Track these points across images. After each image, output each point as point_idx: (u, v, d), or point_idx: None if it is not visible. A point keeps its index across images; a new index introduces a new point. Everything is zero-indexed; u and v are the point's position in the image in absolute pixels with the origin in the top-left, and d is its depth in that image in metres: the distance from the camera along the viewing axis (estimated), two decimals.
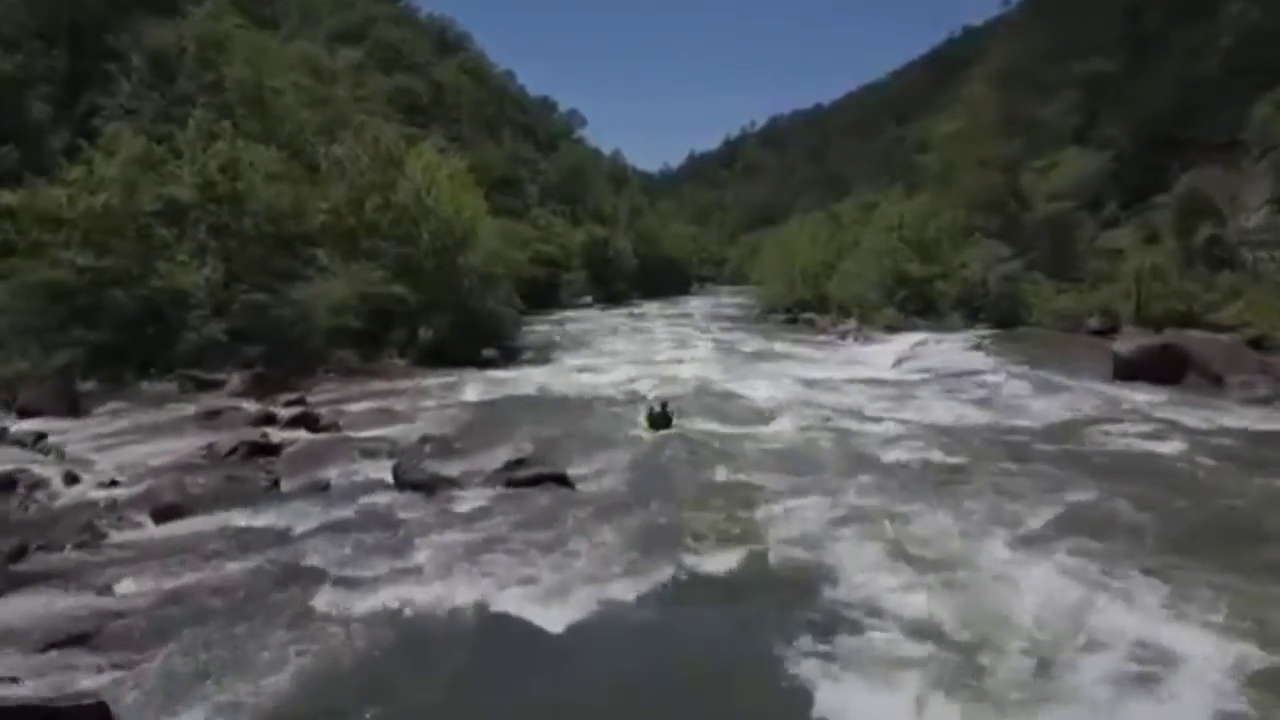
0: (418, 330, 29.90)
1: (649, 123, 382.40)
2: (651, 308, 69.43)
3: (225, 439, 15.30)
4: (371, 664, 7.91)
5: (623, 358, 32.51)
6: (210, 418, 18.30)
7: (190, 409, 19.66)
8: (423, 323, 30.08)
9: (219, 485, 12.56)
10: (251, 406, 19.48)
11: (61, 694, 6.65)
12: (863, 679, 7.51)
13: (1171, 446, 15.97)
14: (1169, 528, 11.24)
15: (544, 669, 8.05)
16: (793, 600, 9.20)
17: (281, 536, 10.96)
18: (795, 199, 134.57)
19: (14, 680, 6.92)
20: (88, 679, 7.24)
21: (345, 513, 11.92)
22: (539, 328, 44.91)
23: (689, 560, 10.21)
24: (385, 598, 9.06)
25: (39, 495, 12.03)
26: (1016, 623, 8.45)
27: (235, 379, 22.79)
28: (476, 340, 31.35)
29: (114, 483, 12.91)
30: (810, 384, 24.33)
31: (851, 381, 25.03)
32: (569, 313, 59.92)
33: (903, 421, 18.60)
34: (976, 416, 19.42)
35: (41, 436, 15.84)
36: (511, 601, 9.02)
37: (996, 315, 40.56)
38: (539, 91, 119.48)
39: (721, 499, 12.75)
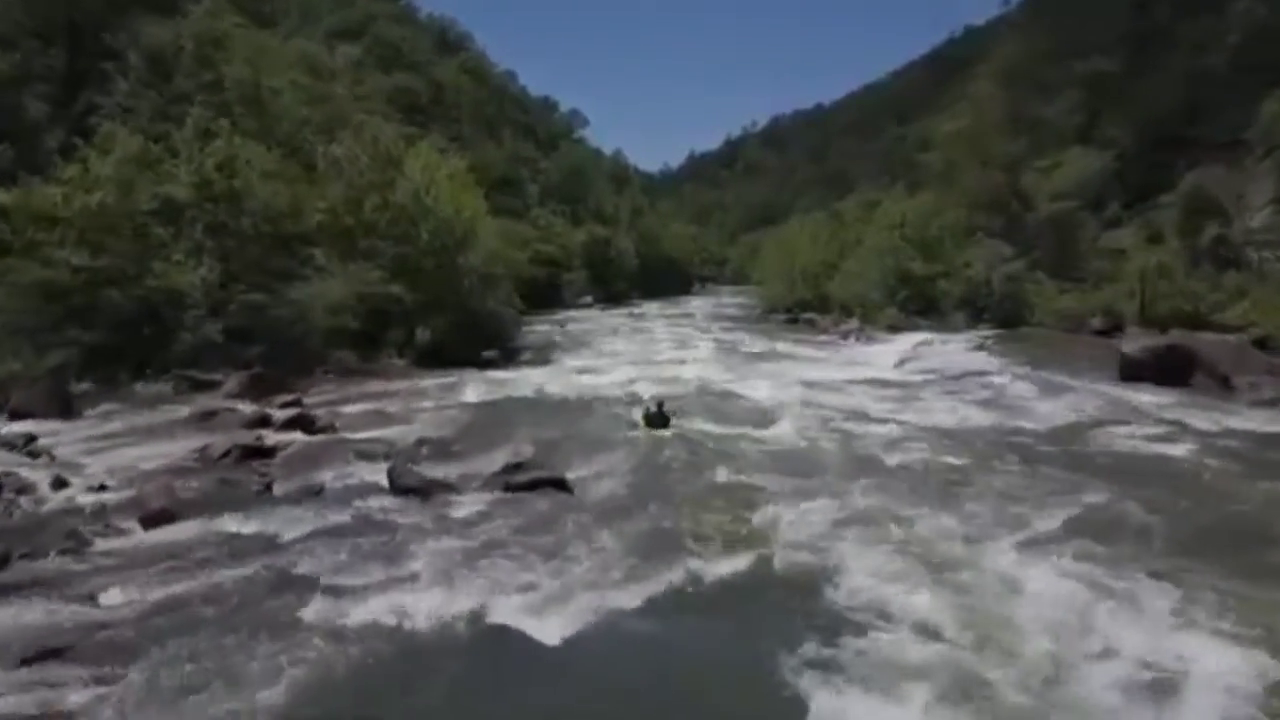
0: (416, 330, 29.66)
1: (649, 123, 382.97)
2: (652, 308, 69.26)
3: (219, 441, 15.05)
4: (365, 675, 7.67)
5: (623, 358, 32.29)
6: (205, 419, 18.05)
7: (185, 410, 19.39)
8: (421, 323, 29.84)
9: (211, 489, 12.33)
10: (247, 408, 19.20)
11: (42, 710, 6.40)
12: (867, 688, 7.34)
13: (1179, 449, 15.80)
14: (1177, 531, 11.08)
15: (542, 679, 7.84)
16: (795, 606, 9.03)
17: (273, 542, 10.69)
18: (796, 199, 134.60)
19: None
20: (68, 694, 7.00)
21: (339, 518, 11.66)
22: (539, 328, 44.71)
23: (690, 565, 10.00)
24: (379, 606, 8.81)
25: (25, 500, 11.74)
26: (1024, 629, 8.29)
27: (231, 380, 22.50)
28: (476, 341, 31.10)
29: (103, 487, 12.64)
30: (812, 385, 24.10)
31: (854, 382, 24.81)
32: (570, 313, 59.71)
33: (906, 423, 18.39)
34: (981, 418, 19.21)
35: (32, 439, 15.57)
36: (508, 610, 8.79)
37: (999, 315, 40.35)
38: (540, 91, 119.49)
39: (723, 502, 12.55)
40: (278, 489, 13.00)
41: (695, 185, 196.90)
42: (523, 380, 26.28)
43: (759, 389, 23.27)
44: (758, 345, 37.30)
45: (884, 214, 54.80)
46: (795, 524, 11.42)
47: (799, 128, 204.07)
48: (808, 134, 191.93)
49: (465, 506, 12.12)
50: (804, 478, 13.87)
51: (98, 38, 34.89)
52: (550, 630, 8.42)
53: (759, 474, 14.12)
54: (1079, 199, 43.35)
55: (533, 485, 12.77)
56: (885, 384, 24.62)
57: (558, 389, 24.45)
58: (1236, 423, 17.89)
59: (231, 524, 11.29)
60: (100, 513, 11.39)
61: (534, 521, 11.47)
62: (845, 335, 40.38)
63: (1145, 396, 20.77)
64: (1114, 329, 33.23)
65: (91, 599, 8.78)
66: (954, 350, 32.57)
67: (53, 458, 14.67)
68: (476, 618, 8.68)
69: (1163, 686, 7.27)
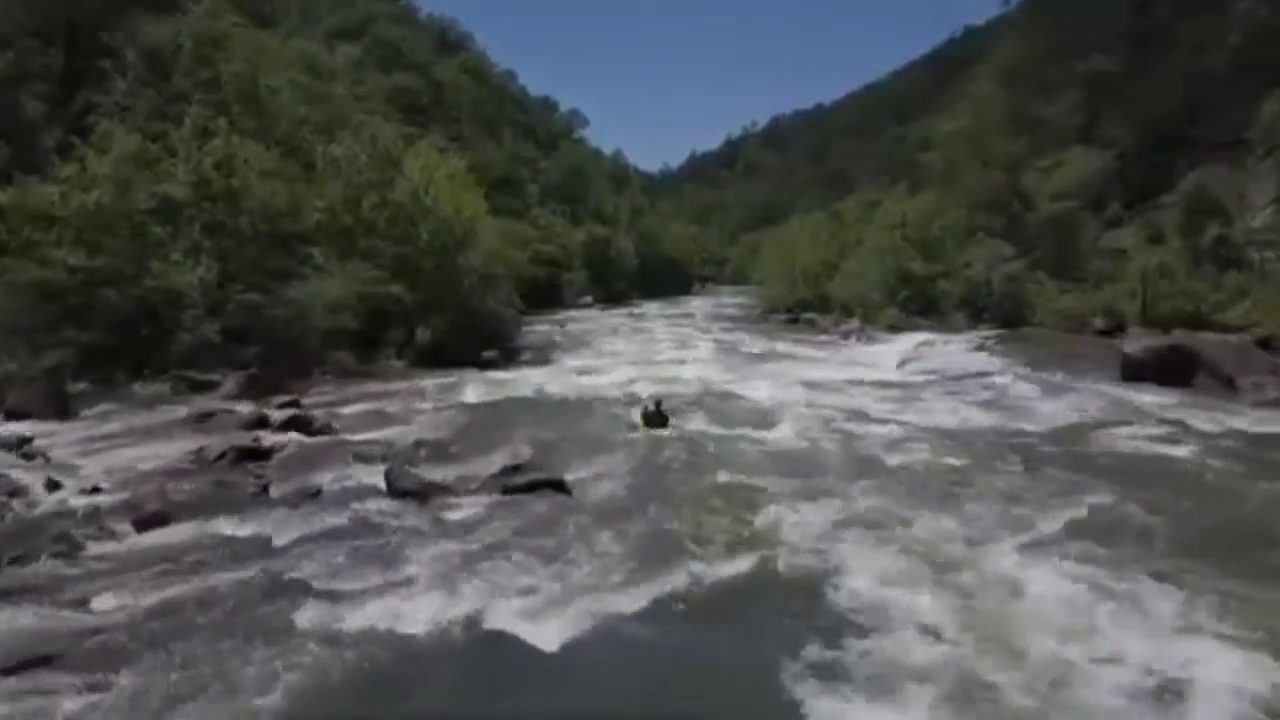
0: (415, 331, 29.54)
1: (649, 123, 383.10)
2: (652, 308, 69.18)
3: (215, 443, 14.92)
4: (362, 681, 7.56)
5: (623, 358, 32.18)
6: (202, 420, 17.92)
7: (182, 411, 19.27)
8: (421, 323, 29.72)
9: (206, 491, 12.20)
10: (245, 409, 19.06)
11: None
12: (870, 692, 7.28)
13: (1183, 450, 15.69)
14: (1181, 533, 10.99)
15: (540, 684, 7.73)
16: (797, 609, 8.95)
17: (269, 546, 10.57)
18: (796, 199, 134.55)
19: None
20: (58, 701, 6.88)
21: (335, 521, 11.53)
22: (539, 328, 44.63)
23: (690, 568, 9.89)
24: (375, 611, 8.71)
25: (17, 503, 11.59)
26: (1027, 631, 8.22)
27: (229, 381, 22.38)
28: (476, 341, 30.96)
29: (96, 489, 12.49)
30: (813, 385, 23.99)
31: (855, 383, 24.70)
32: (570, 313, 59.63)
33: (908, 424, 18.28)
34: (983, 419, 19.11)
35: (27, 440, 15.44)
36: (507, 614, 8.69)
37: (1000, 315, 40.19)
38: (540, 91, 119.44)
39: (724, 504, 12.44)
40: (274, 491, 12.86)
41: (695, 185, 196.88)
42: (522, 380, 26.16)
43: (759, 389, 23.15)
44: (758, 345, 37.18)
45: (884, 214, 54.66)
46: (796, 526, 11.32)
47: (799, 128, 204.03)
48: (808, 134, 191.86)
49: (463, 509, 12.00)
50: (805, 479, 13.76)
51: (95, 37, 34.77)
52: (549, 635, 8.31)
53: (760, 475, 14.01)
54: (1080, 199, 43.21)
55: (531, 487, 12.65)
56: (886, 384, 24.49)
57: (557, 389, 24.33)
58: (1240, 423, 17.76)
59: (227, 527, 11.17)
60: (93, 515, 11.24)
61: (532, 524, 11.36)
62: (846, 335, 40.25)
63: (1148, 397, 20.64)
64: (1115, 329, 33.10)
65: (83, 604, 8.65)
66: (955, 350, 32.43)
67: (47, 459, 14.54)
68: (474, 622, 8.58)
69: (1167, 690, 7.22)
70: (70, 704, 6.92)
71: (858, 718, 6.97)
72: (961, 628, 8.30)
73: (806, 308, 52.58)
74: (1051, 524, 11.35)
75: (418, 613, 8.69)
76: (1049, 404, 20.50)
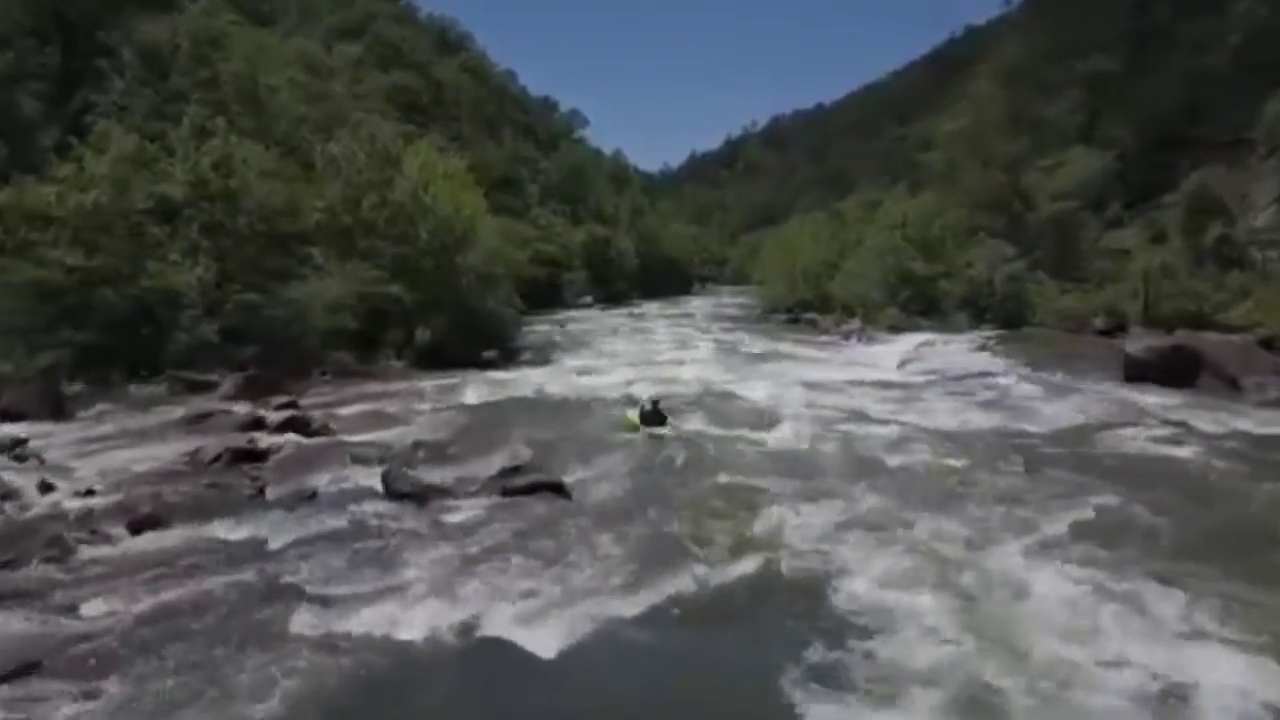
0: (415, 331, 29.41)
1: (649, 123, 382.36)
2: (652, 308, 69.13)
3: (211, 444, 14.76)
4: (358, 688, 7.45)
5: (623, 359, 32.08)
6: (198, 421, 17.77)
7: (179, 412, 19.11)
8: (420, 323, 29.60)
9: (201, 494, 12.06)
10: (242, 410, 18.91)
11: None
12: (873, 696, 7.23)
13: (1186, 451, 15.58)
14: (1186, 535, 10.90)
15: (539, 690, 7.63)
16: (799, 612, 8.87)
17: (264, 549, 10.45)
18: (796, 199, 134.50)
19: None
20: (48, 709, 6.76)
21: (332, 524, 11.41)
22: (539, 328, 44.55)
23: (691, 572, 9.79)
24: (372, 616, 8.59)
25: (9, 506, 11.44)
26: (1031, 635, 8.13)
27: (227, 381, 22.26)
28: (476, 341, 30.86)
29: (90, 491, 12.34)
30: (813, 386, 23.86)
31: (856, 383, 24.57)
32: (570, 313, 59.60)
33: (909, 425, 18.17)
34: (985, 420, 18.97)
35: (21, 441, 15.28)
36: (505, 619, 8.57)
37: (1001, 315, 40.04)
38: (540, 91, 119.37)
39: (724, 506, 12.33)
40: (270, 493, 12.73)
41: (695, 185, 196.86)
42: (522, 381, 26.05)
43: (760, 390, 23.04)
44: (758, 345, 37.07)
45: (885, 214, 54.53)
46: (798, 527, 11.23)
47: (799, 128, 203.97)
48: (808, 134, 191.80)
49: (461, 512, 11.87)
50: (806, 480, 13.67)
51: (92, 36, 34.67)
52: (548, 640, 8.21)
53: (760, 476, 13.91)
54: (1081, 199, 43.06)
55: (530, 489, 12.53)
56: (887, 385, 24.36)
57: (557, 390, 24.23)
58: (1244, 424, 17.64)
59: (221, 530, 11.06)
60: (86, 518, 11.09)
61: (531, 527, 11.24)
62: (846, 336, 40.13)
63: (1150, 398, 20.52)
64: (1117, 329, 32.95)
65: (74, 609, 8.52)
66: (956, 351, 32.30)
67: (41, 461, 14.40)
68: (472, 628, 8.47)
69: (1171, 694, 7.15)
70: (60, 712, 6.80)
71: None
72: (965, 630, 8.22)
73: (807, 308, 52.45)
74: (1055, 526, 11.25)
75: (415, 618, 8.57)
76: (1051, 405, 20.36)
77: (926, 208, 49.65)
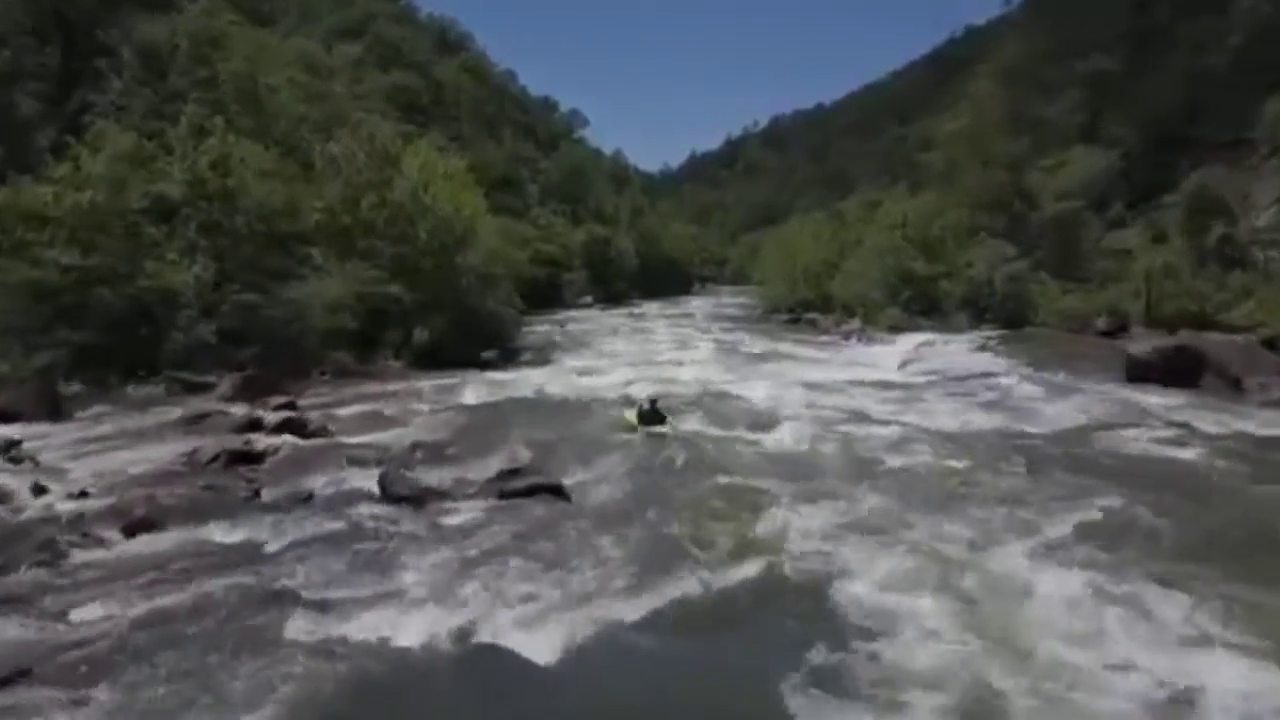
0: (414, 331, 29.30)
1: (649, 123, 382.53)
2: (652, 308, 69.07)
3: (208, 446, 14.64)
4: (354, 696, 7.31)
5: (623, 359, 31.97)
6: (195, 423, 17.64)
7: (176, 413, 18.97)
8: (419, 323, 29.49)
9: (196, 496, 11.91)
10: (239, 411, 18.79)
11: None
12: (876, 702, 7.13)
13: (1190, 452, 15.46)
14: (1191, 538, 10.79)
15: (539, 697, 7.52)
16: (801, 616, 8.77)
17: (259, 553, 10.31)
18: (796, 199, 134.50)
19: None
20: (37, 717, 6.63)
21: (328, 527, 11.25)
22: (539, 328, 44.47)
23: (692, 576, 9.66)
24: (368, 622, 8.44)
25: (1, 509, 11.30)
26: (1034, 638, 8.04)
27: (224, 382, 22.10)
28: (475, 341, 30.77)
29: (84, 494, 12.20)
30: (814, 386, 23.74)
31: (856, 384, 24.45)
32: (570, 313, 59.55)
33: (911, 426, 18.03)
34: (987, 420, 18.85)
35: (15, 443, 15.11)
36: (503, 625, 8.43)
37: (1002, 315, 39.95)
38: (540, 91, 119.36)
39: (725, 509, 12.21)
40: (266, 495, 12.60)
41: (695, 185, 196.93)
42: (522, 381, 25.93)
43: (760, 390, 22.92)
44: (759, 346, 36.96)
45: (886, 214, 54.43)
46: (799, 530, 11.12)
47: (799, 128, 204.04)
48: (808, 134, 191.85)
49: (459, 514, 11.74)
50: (807, 481, 13.56)
51: (91, 35, 34.56)
52: (548, 645, 8.08)
53: (761, 477, 13.78)
54: (1083, 199, 42.98)
55: (529, 492, 12.39)
56: (888, 385, 24.24)
57: (557, 390, 24.11)
58: (1248, 425, 17.51)
59: (216, 533, 10.92)
60: (78, 521, 10.92)
61: (530, 530, 11.11)
62: (847, 336, 40.05)
63: (1153, 398, 20.40)
64: (1119, 329, 32.89)
65: (65, 614, 8.37)
66: (957, 351, 32.19)
67: (36, 463, 14.25)
68: (470, 633, 8.33)
69: (1177, 698, 7.06)
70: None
71: None
72: (968, 633, 8.14)
73: (807, 308, 52.38)
74: (1058, 527, 11.14)
75: (412, 623, 8.43)
76: (1053, 405, 20.23)
77: (927, 208, 49.56)
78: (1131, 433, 17.07)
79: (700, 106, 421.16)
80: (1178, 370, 21.85)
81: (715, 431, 17.67)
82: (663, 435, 16.92)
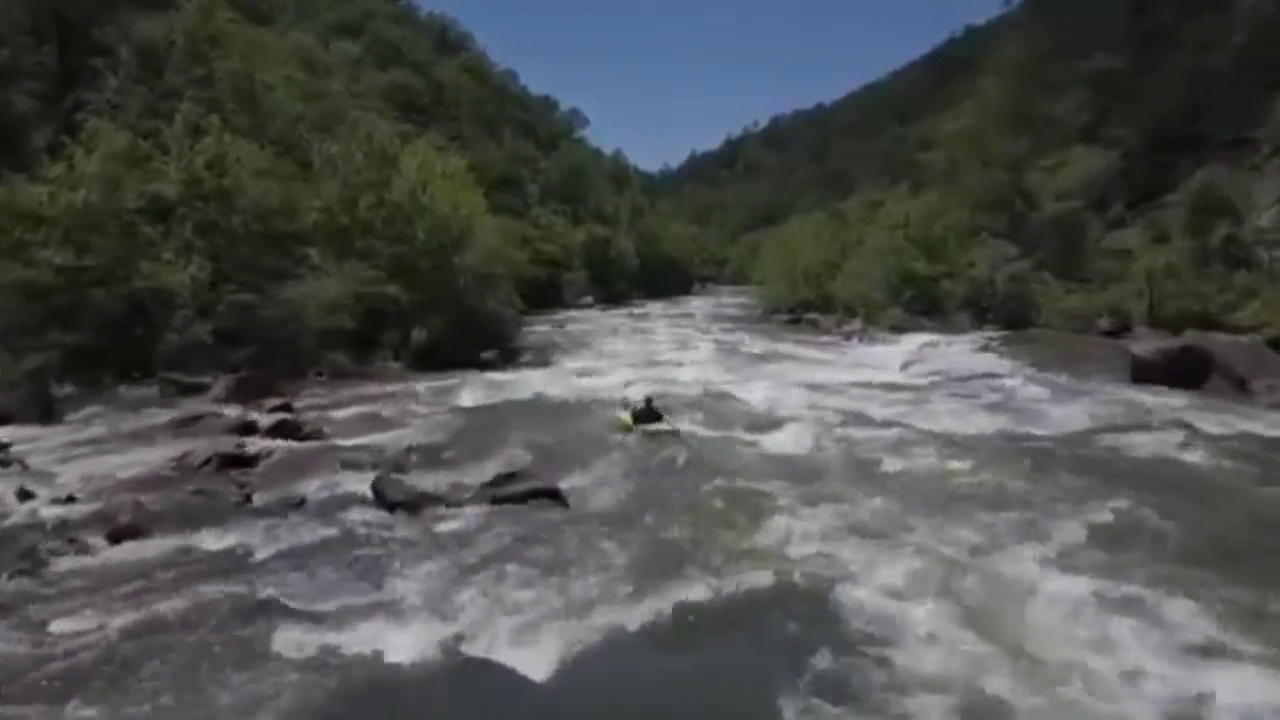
0: (412, 331, 29.07)
1: (649, 123, 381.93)
2: (653, 308, 69.02)
3: (199, 449, 14.39)
4: (345, 711, 7.12)
5: (623, 359, 31.77)
6: (188, 425, 17.39)
7: (170, 415, 18.74)
8: (418, 323, 29.26)
9: (185, 501, 11.68)
10: (233, 412, 18.59)
11: None
12: (880, 709, 7.02)
13: (1197, 454, 15.27)
14: (1199, 542, 10.66)
15: (536, 711, 7.32)
16: (804, 622, 8.59)
17: (249, 561, 10.08)
18: (796, 199, 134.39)
19: None
20: None
21: (320, 534, 11.01)
22: (539, 328, 44.35)
23: (692, 584, 9.45)
24: (360, 633, 8.21)
25: None
26: (1041, 644, 7.94)
27: (219, 383, 21.86)
28: (474, 341, 30.57)
29: (71, 499, 11.95)
30: (815, 387, 23.55)
31: (858, 384, 24.22)
32: (570, 313, 59.50)
33: (914, 427, 17.84)
34: (991, 422, 18.61)
35: (4, 446, 14.89)
36: (499, 637, 8.19)
37: (1004, 315, 39.74)
38: (540, 91, 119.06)
39: (726, 514, 12.03)
40: (257, 500, 12.37)
41: (695, 185, 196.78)
42: (521, 382, 25.73)
43: (761, 391, 22.72)
44: (759, 346, 36.80)
45: (886, 214, 54.27)
46: (801, 535, 10.95)
47: (799, 128, 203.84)
48: (808, 134, 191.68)
49: (455, 520, 11.51)
50: (809, 484, 13.40)
51: (88, 34, 34.29)
52: (545, 656, 7.87)
53: (762, 480, 13.61)
54: (1084, 198, 42.77)
55: (526, 496, 12.18)
56: (890, 386, 24.04)
57: (556, 391, 23.90)
58: (1255, 427, 17.36)
59: (205, 540, 10.67)
60: (63, 528, 10.69)
61: (527, 537, 10.88)
62: (848, 336, 39.89)
63: (1159, 399, 20.26)
64: (1122, 330, 32.73)
65: (45, 625, 8.14)
66: (959, 351, 31.99)
67: (24, 466, 14.02)
68: (466, 644, 8.11)
69: (1187, 706, 6.94)
70: None
71: None
72: (974, 639, 8.03)
73: (808, 308, 52.20)
74: (1064, 531, 11.00)
75: (406, 634, 8.21)
76: (1058, 407, 20.03)
77: (928, 207, 49.40)
78: (1137, 434, 16.89)
79: (700, 106, 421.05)
80: (1183, 371, 21.67)
81: (716, 433, 17.51)
82: (660, 434, 16.74)
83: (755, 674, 7.74)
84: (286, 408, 19.26)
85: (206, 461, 13.73)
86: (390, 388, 24.38)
